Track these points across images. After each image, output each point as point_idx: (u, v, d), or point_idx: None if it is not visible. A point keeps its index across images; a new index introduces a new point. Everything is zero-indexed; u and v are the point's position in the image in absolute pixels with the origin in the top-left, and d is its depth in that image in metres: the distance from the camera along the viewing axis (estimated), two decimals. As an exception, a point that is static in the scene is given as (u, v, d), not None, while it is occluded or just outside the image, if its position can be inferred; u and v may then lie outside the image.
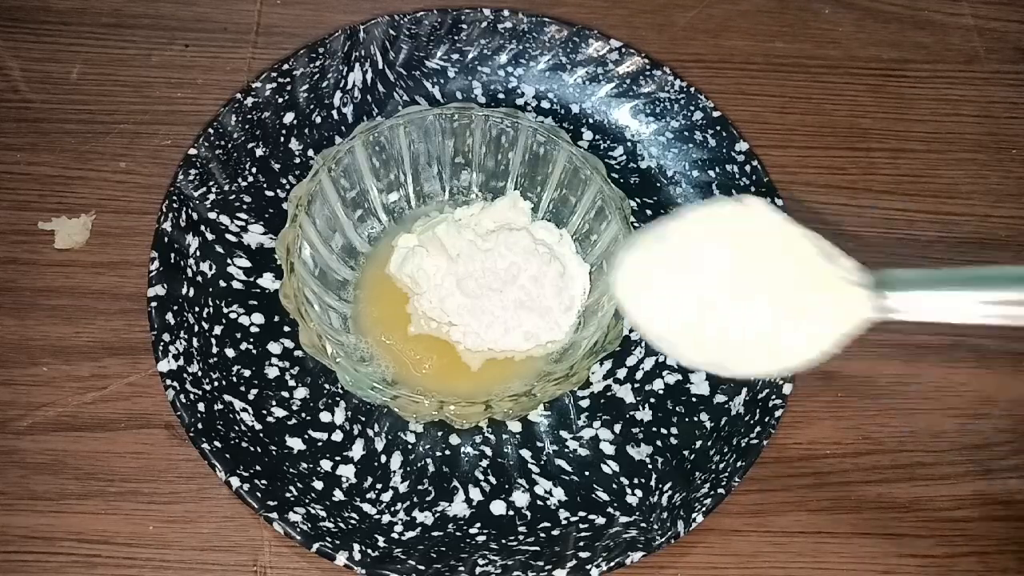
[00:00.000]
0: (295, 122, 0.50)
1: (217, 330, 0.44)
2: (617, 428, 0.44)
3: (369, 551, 0.39)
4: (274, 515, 0.39)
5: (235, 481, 0.39)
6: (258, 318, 0.45)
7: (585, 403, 0.45)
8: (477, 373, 0.43)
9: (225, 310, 0.45)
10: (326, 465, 0.42)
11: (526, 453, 0.43)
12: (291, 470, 0.41)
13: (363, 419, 0.43)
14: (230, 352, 0.44)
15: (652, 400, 0.45)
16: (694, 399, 0.45)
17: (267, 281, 0.46)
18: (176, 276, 0.44)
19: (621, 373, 0.45)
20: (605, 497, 0.42)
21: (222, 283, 0.45)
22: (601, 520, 0.42)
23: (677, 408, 0.45)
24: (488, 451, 0.43)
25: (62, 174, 0.49)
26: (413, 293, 0.44)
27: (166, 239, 0.45)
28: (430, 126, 0.45)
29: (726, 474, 0.42)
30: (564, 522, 0.42)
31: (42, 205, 0.48)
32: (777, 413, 0.43)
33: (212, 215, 0.47)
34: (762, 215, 0.30)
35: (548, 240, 0.45)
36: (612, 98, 0.52)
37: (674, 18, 0.57)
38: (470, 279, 0.43)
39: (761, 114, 0.54)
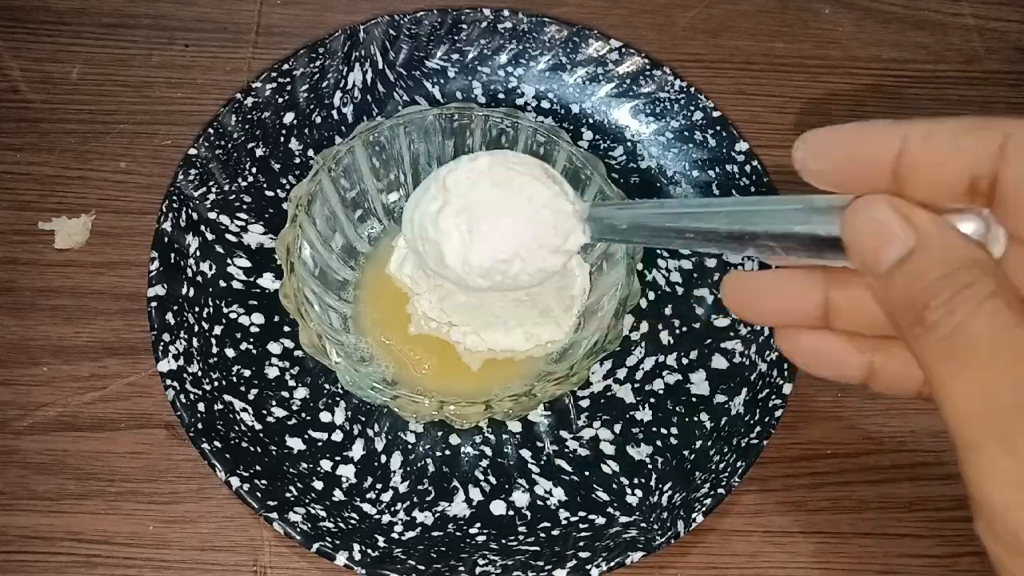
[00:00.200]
0: (295, 122, 0.50)
1: (217, 330, 0.44)
2: (617, 428, 0.44)
3: (369, 551, 0.39)
4: (274, 515, 0.39)
5: (235, 481, 0.39)
6: (258, 318, 0.45)
7: (585, 403, 0.45)
8: (477, 373, 0.43)
9: (225, 310, 0.45)
10: (326, 465, 0.42)
11: (526, 453, 0.43)
12: (291, 470, 0.41)
13: (363, 419, 0.43)
14: (230, 352, 0.44)
15: (652, 400, 0.45)
16: (694, 399, 0.45)
17: (267, 281, 0.46)
18: (176, 276, 0.44)
19: (621, 373, 0.45)
20: (605, 497, 0.42)
21: (222, 283, 0.45)
22: (601, 520, 0.42)
23: (677, 408, 0.45)
24: (488, 451, 0.43)
25: (62, 174, 0.49)
26: (413, 293, 0.44)
27: (166, 239, 0.45)
28: (430, 126, 0.45)
29: (726, 474, 0.42)
30: (564, 522, 0.42)
31: (42, 205, 0.48)
32: (777, 413, 0.43)
33: (212, 215, 0.47)
34: (509, 163, 0.36)
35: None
36: (612, 98, 0.52)
37: (674, 18, 0.57)
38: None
39: (761, 114, 0.54)
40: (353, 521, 0.41)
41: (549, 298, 0.43)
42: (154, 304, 0.43)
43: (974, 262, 0.21)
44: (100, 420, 0.43)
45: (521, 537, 0.41)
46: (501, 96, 0.52)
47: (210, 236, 0.46)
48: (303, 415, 0.43)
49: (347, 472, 0.42)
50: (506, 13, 0.52)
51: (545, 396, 0.40)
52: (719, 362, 0.46)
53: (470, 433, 0.44)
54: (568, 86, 0.52)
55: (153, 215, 0.46)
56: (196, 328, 0.44)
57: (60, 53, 0.52)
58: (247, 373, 0.44)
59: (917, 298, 0.21)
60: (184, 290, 0.44)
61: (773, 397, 0.44)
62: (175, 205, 0.46)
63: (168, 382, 0.41)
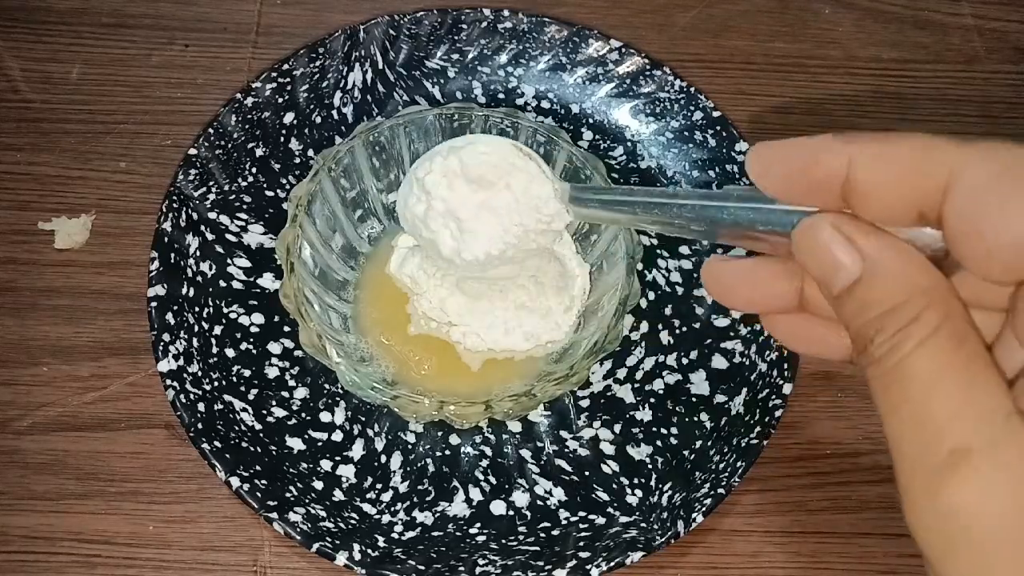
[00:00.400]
0: (295, 122, 0.50)
1: (217, 330, 0.44)
2: (617, 428, 0.44)
3: (369, 551, 0.39)
4: (274, 515, 0.39)
5: (235, 481, 0.39)
6: (258, 318, 0.45)
7: (585, 403, 0.45)
8: (477, 373, 0.43)
9: (225, 310, 0.45)
10: (326, 465, 0.42)
11: (526, 453, 0.43)
12: (291, 470, 0.41)
13: (363, 419, 0.43)
14: (230, 352, 0.44)
15: (652, 400, 0.45)
16: (694, 399, 0.45)
17: (267, 281, 0.46)
18: (176, 276, 0.44)
19: (621, 373, 0.45)
20: (605, 497, 0.42)
21: (222, 283, 0.45)
22: (601, 520, 0.42)
23: (677, 408, 0.45)
24: (488, 451, 0.43)
25: (62, 174, 0.49)
26: (413, 293, 0.44)
27: (166, 239, 0.45)
28: (430, 126, 0.45)
29: (726, 474, 0.42)
30: (564, 522, 0.42)
31: (42, 205, 0.48)
32: (777, 413, 0.43)
33: (212, 215, 0.47)
34: (479, 152, 0.37)
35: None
36: (612, 98, 0.52)
37: (674, 18, 0.57)
38: (470, 279, 0.43)
39: (761, 114, 0.54)
40: (353, 521, 0.41)
41: (549, 299, 0.43)
42: (154, 304, 0.43)
43: (921, 292, 0.20)
44: (100, 420, 0.43)
45: (521, 537, 0.41)
46: (501, 96, 0.52)
47: (210, 236, 0.46)
48: (303, 415, 0.43)
49: (347, 472, 0.42)
50: (506, 13, 0.52)
51: (545, 396, 0.40)
52: (719, 362, 0.46)
53: (470, 433, 0.44)
54: (568, 86, 0.52)
55: (153, 215, 0.46)
56: (196, 328, 0.44)
57: (60, 53, 0.52)
58: (247, 373, 0.44)
59: (863, 331, 0.21)
60: (184, 290, 0.44)
61: (773, 397, 0.44)
62: (175, 205, 0.46)
63: (168, 382, 0.41)
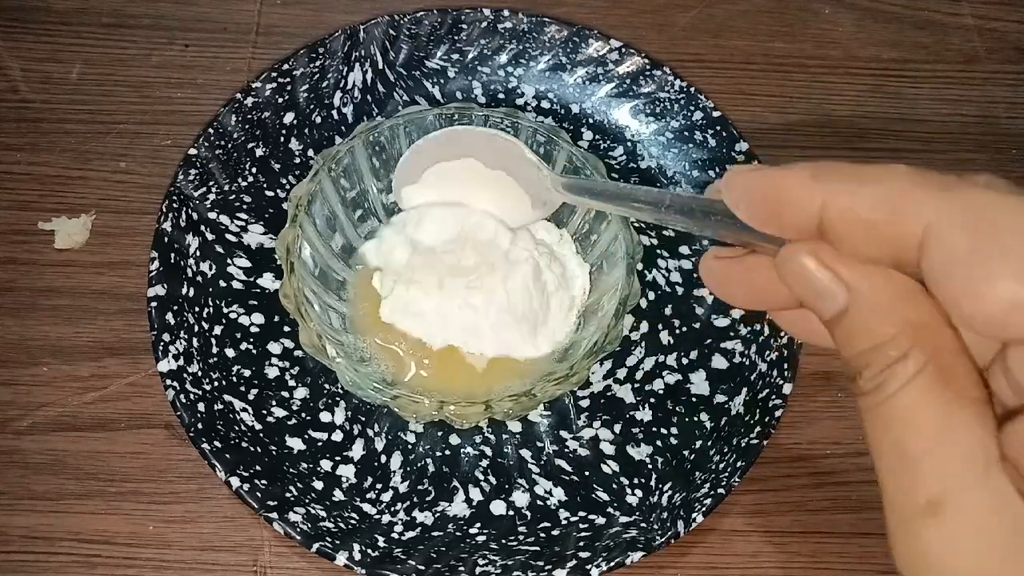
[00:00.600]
0: (295, 122, 0.50)
1: (217, 330, 0.44)
2: (617, 428, 0.44)
3: (369, 551, 0.39)
4: (274, 515, 0.39)
5: (235, 481, 0.39)
6: (258, 318, 0.45)
7: (585, 403, 0.45)
8: (477, 373, 0.43)
9: (225, 310, 0.45)
10: (326, 465, 0.42)
11: (526, 453, 0.43)
12: (291, 470, 0.41)
13: (363, 419, 0.43)
14: (230, 352, 0.44)
15: (652, 400, 0.45)
16: (694, 399, 0.45)
17: (267, 281, 0.46)
18: (176, 276, 0.44)
19: (621, 373, 0.45)
20: (605, 497, 0.42)
21: (222, 283, 0.45)
22: (601, 520, 0.42)
23: (677, 408, 0.45)
24: (488, 451, 0.43)
25: (62, 174, 0.49)
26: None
27: (166, 239, 0.45)
28: (430, 126, 0.45)
29: (726, 474, 0.42)
30: (564, 522, 0.42)
31: (42, 205, 0.48)
32: (777, 413, 0.43)
33: (212, 215, 0.47)
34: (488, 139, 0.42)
35: (548, 240, 0.45)
36: (612, 98, 0.52)
37: (674, 18, 0.57)
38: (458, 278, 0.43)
39: (761, 114, 0.54)
40: (353, 521, 0.41)
41: (549, 298, 0.43)
42: (154, 304, 0.43)
43: (906, 326, 0.20)
44: (100, 420, 0.43)
45: (521, 537, 0.41)
46: (501, 96, 0.52)
47: (210, 236, 0.46)
48: (303, 415, 0.43)
49: (347, 472, 0.42)
50: (506, 13, 0.52)
51: (545, 396, 0.40)
52: (719, 362, 0.46)
53: (470, 433, 0.44)
54: (568, 86, 0.52)
55: (153, 215, 0.46)
56: (196, 328, 0.44)
57: (60, 53, 0.52)
58: (247, 373, 0.44)
59: (852, 362, 0.21)
60: (184, 290, 0.44)
61: (773, 397, 0.44)
62: (175, 205, 0.46)
63: (168, 382, 0.41)
